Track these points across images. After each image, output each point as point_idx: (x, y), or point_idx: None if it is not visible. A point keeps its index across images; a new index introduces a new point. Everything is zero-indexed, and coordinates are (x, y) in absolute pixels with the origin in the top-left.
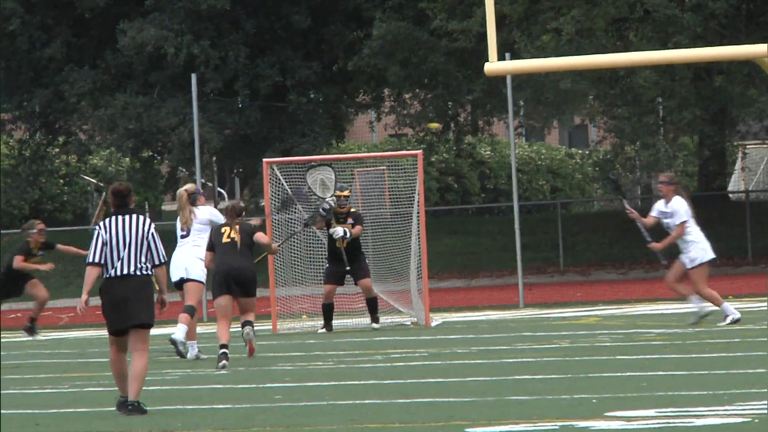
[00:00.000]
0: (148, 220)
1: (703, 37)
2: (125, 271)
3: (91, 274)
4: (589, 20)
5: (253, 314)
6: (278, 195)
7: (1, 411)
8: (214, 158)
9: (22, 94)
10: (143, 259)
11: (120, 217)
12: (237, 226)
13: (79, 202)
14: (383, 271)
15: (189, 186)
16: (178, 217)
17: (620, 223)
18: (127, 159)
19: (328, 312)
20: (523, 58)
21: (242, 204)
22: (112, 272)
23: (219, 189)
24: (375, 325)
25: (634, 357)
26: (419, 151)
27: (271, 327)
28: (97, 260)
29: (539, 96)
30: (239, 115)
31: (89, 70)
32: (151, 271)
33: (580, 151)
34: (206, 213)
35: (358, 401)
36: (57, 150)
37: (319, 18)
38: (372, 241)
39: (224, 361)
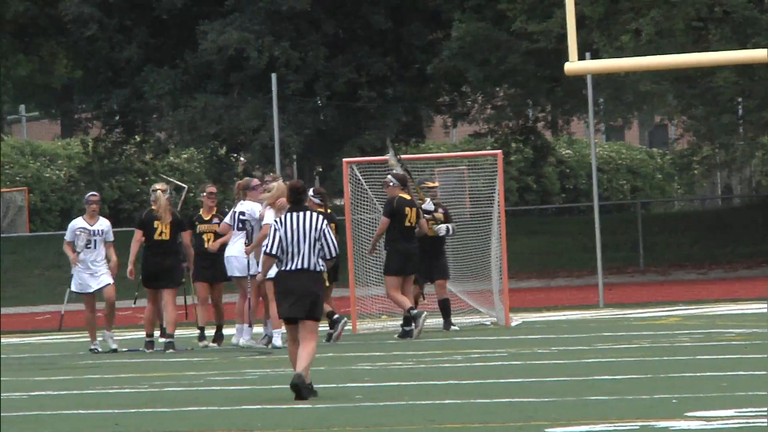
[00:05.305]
0: (320, 217)
1: None
2: (300, 266)
3: (266, 263)
4: (669, 21)
5: None
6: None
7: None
8: (294, 157)
9: (100, 94)
10: (316, 255)
11: (295, 214)
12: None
13: None
14: (463, 270)
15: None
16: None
17: (701, 223)
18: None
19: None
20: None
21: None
22: (289, 266)
23: None
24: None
25: (714, 357)
26: (499, 151)
27: (351, 327)
28: (274, 252)
29: (619, 96)
30: (317, 114)
31: (169, 70)
32: (323, 266)
33: (660, 151)
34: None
35: (437, 401)
36: (134, 149)
37: (397, 18)
38: (452, 240)
39: None
